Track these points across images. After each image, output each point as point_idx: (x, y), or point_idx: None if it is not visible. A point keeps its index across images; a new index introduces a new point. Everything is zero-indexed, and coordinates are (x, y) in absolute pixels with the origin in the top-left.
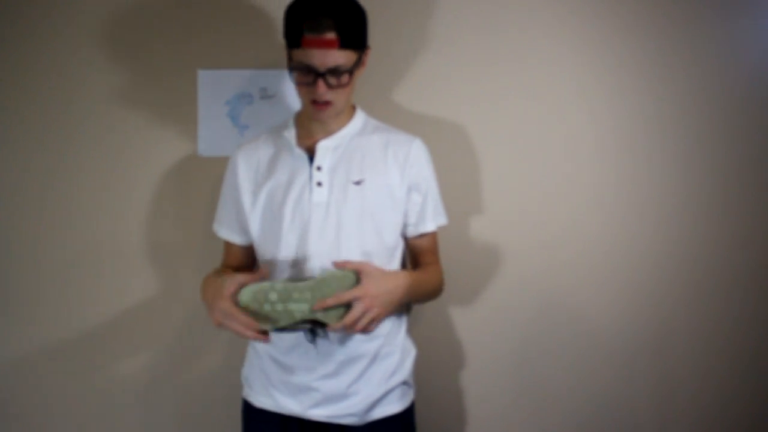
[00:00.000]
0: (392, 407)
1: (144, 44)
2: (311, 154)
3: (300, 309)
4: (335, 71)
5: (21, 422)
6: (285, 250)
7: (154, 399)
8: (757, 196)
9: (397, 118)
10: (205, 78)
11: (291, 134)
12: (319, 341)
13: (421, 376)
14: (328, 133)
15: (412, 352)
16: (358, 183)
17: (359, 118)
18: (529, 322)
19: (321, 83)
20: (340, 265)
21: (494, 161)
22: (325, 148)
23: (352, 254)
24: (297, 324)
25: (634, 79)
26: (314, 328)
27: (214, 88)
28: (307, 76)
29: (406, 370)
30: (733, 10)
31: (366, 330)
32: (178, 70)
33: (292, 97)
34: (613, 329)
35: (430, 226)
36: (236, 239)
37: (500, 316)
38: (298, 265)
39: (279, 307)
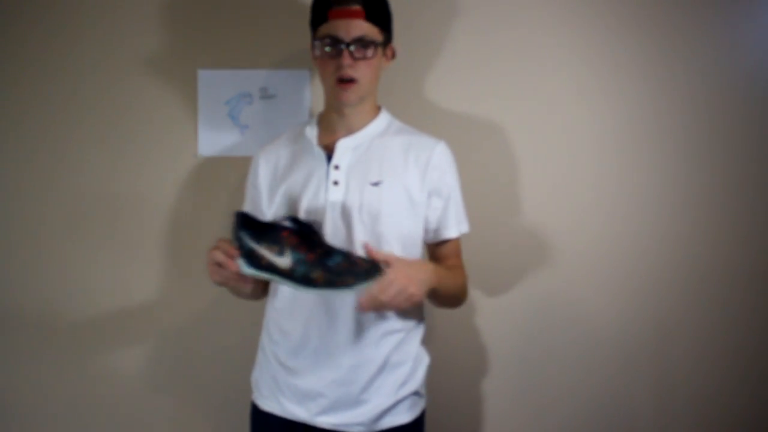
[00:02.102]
0: (402, 417)
1: (144, 44)
2: (330, 153)
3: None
4: (360, 41)
5: (21, 419)
6: None
7: (160, 402)
8: (757, 196)
9: (398, 116)
10: (205, 78)
11: (312, 133)
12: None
13: (430, 387)
14: (350, 131)
15: (424, 361)
16: (375, 184)
17: (383, 118)
18: (530, 322)
19: (346, 53)
20: (369, 252)
21: (494, 162)
22: (344, 147)
23: (364, 254)
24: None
25: (636, 79)
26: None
27: (214, 88)
28: (333, 48)
29: (417, 380)
30: (733, 11)
31: (395, 305)
32: (178, 70)
33: (292, 97)
34: (613, 329)
35: (452, 233)
36: None
37: (500, 317)
38: None
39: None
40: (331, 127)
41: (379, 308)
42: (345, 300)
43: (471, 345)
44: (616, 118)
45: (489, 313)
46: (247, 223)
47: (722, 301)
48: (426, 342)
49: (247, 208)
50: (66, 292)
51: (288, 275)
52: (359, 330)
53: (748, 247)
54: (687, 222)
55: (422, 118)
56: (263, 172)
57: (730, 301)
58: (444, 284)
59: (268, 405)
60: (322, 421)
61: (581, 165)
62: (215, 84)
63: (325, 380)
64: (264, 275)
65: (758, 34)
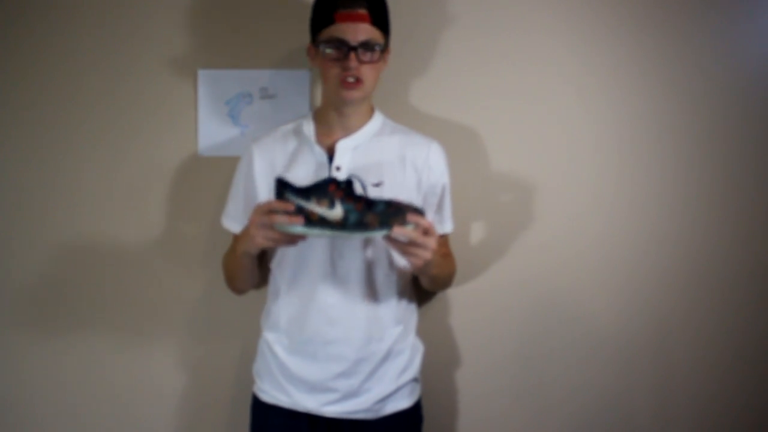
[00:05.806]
0: (403, 402)
1: (144, 44)
2: (330, 154)
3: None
4: (367, 45)
5: (24, 417)
6: (301, 250)
7: (160, 395)
8: (757, 196)
9: (399, 120)
10: (205, 78)
11: (310, 131)
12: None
13: (423, 375)
14: (348, 131)
15: (420, 350)
16: (377, 185)
17: (378, 118)
18: (529, 322)
19: (353, 56)
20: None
21: (494, 162)
22: (344, 147)
23: (370, 255)
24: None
25: (635, 79)
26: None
27: (214, 88)
28: (339, 51)
29: (415, 368)
30: (733, 10)
31: (411, 253)
32: (178, 70)
33: (292, 97)
34: (613, 329)
35: (447, 227)
36: None
37: (500, 317)
38: (311, 266)
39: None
40: (328, 126)
41: (401, 246)
42: (354, 294)
43: (471, 345)
44: (616, 118)
45: (489, 312)
46: (290, 186)
47: (722, 302)
48: (426, 343)
49: (236, 200)
50: (65, 290)
51: (340, 226)
52: (366, 326)
53: (748, 247)
54: (687, 222)
55: (422, 120)
56: (259, 166)
57: (730, 302)
58: (440, 273)
59: (272, 396)
60: (328, 410)
61: (581, 165)
62: (215, 84)
63: (330, 374)
64: (315, 231)
65: (758, 34)
